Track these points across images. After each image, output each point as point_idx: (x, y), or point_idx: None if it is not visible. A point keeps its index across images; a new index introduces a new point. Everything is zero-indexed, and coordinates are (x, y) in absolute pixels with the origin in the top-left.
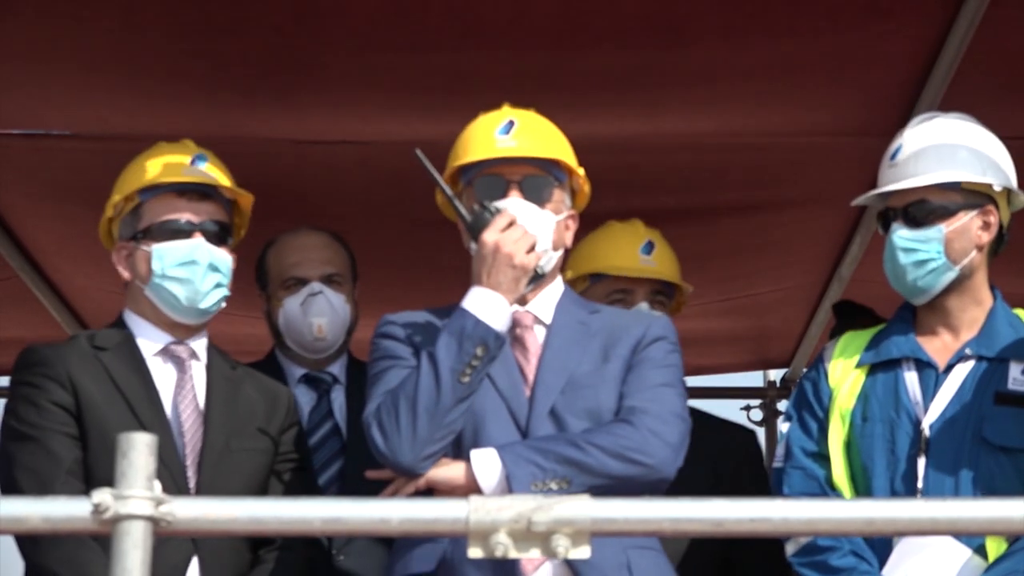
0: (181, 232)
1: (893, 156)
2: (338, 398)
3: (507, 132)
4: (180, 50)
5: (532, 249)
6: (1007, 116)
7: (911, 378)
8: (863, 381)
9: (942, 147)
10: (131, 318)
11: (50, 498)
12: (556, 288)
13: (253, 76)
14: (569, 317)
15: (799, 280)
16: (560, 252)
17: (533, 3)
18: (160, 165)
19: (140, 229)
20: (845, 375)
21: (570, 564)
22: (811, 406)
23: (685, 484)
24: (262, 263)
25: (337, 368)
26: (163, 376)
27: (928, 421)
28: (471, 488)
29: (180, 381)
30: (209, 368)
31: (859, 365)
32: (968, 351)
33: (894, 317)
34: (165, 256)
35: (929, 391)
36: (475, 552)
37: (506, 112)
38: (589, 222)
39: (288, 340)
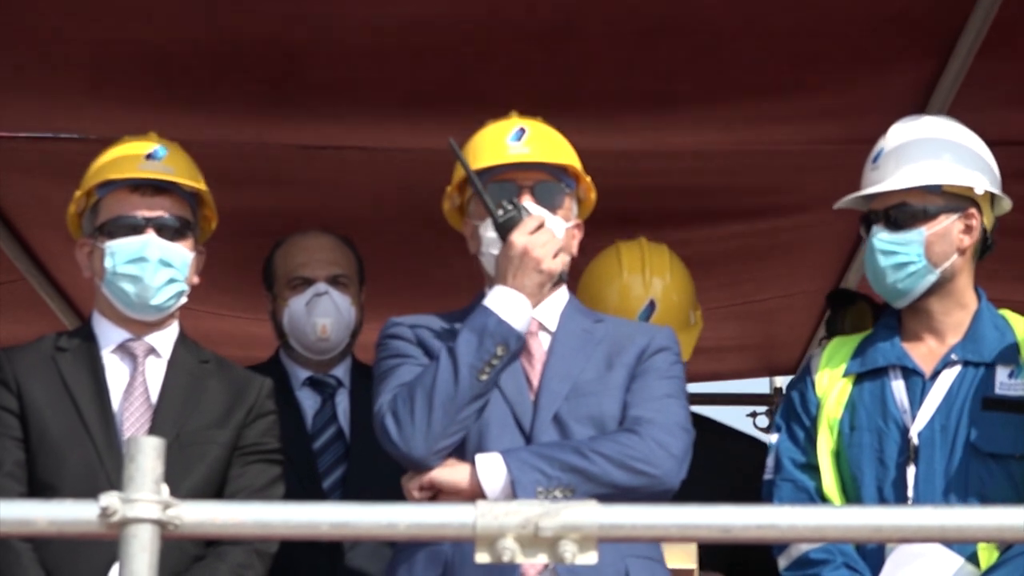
0: (133, 228)
1: (875, 159)
2: (342, 402)
3: (519, 139)
4: (188, 54)
5: (558, 254)
6: (1016, 122)
7: (898, 386)
8: (850, 390)
9: (924, 149)
10: (95, 316)
11: (57, 501)
12: (561, 295)
13: (260, 81)
14: (573, 325)
15: (806, 286)
16: (567, 259)
17: (538, 10)
18: (117, 160)
19: (97, 226)
20: (832, 384)
21: (569, 571)
22: (799, 417)
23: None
24: (269, 263)
25: (341, 371)
26: (117, 373)
27: (916, 429)
28: (475, 492)
29: (132, 377)
30: (171, 363)
31: (846, 374)
32: (954, 356)
33: (879, 324)
34: (116, 253)
35: (916, 399)
36: (482, 557)
37: (515, 120)
38: (596, 228)
39: (292, 340)
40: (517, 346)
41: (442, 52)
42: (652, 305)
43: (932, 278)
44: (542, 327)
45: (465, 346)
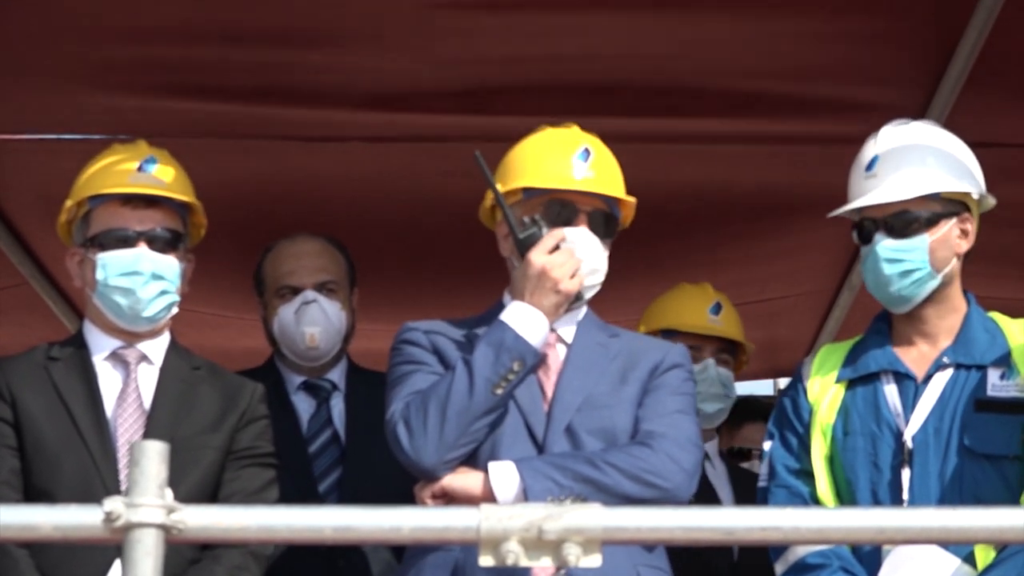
0: (125, 241)
1: (869, 167)
2: (337, 405)
3: (584, 160)
4: (189, 50)
5: (576, 274)
6: (1018, 123)
7: (891, 390)
8: (843, 395)
9: (918, 155)
10: (86, 324)
11: (61, 506)
12: (579, 310)
13: (263, 74)
14: (589, 339)
15: (809, 287)
16: (600, 279)
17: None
18: (108, 172)
19: (88, 236)
20: (824, 390)
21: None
22: (792, 423)
23: None
24: (259, 270)
25: (336, 375)
26: (109, 381)
27: (910, 432)
28: (487, 499)
29: (125, 384)
30: (163, 369)
31: (838, 380)
32: (946, 360)
33: (870, 329)
34: (108, 265)
35: (909, 402)
36: (486, 560)
37: (579, 136)
38: None
39: (283, 348)
40: (533, 362)
41: (447, 42)
42: (719, 306)
43: (935, 283)
44: (559, 339)
45: (482, 359)
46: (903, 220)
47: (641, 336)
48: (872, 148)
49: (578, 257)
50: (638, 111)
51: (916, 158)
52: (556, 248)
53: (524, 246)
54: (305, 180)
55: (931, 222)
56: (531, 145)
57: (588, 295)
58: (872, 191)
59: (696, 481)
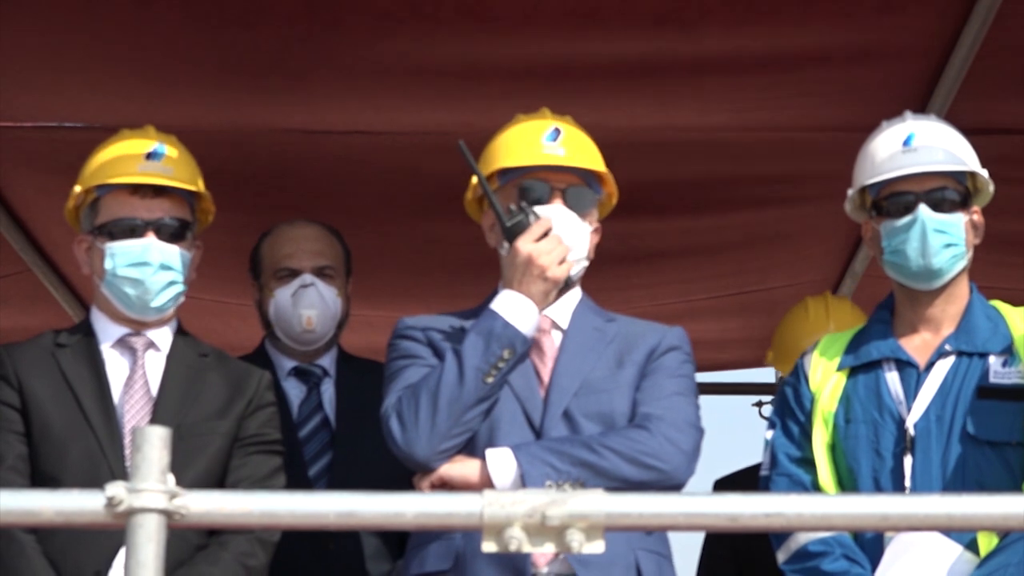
0: (133, 231)
1: (907, 141)
2: (328, 391)
3: (554, 139)
4: (192, 41)
5: (564, 260)
6: (1021, 111)
7: (892, 378)
8: (844, 384)
9: (950, 141)
10: (94, 312)
11: (63, 491)
12: (574, 295)
13: (265, 66)
14: (585, 323)
15: (812, 275)
16: (584, 264)
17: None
18: (116, 160)
19: (97, 225)
20: (826, 378)
21: (579, 561)
22: (793, 411)
23: None
24: (256, 252)
25: (327, 361)
26: (117, 368)
27: (912, 420)
28: (485, 486)
29: (132, 371)
30: (170, 356)
31: (839, 368)
32: (948, 347)
33: (872, 318)
34: (117, 255)
35: (911, 390)
36: (489, 546)
37: (549, 119)
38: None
39: (278, 331)
40: (523, 349)
41: (445, 31)
42: None
43: (964, 264)
44: (555, 325)
45: (471, 348)
46: (941, 196)
47: (637, 320)
48: (904, 128)
49: (566, 245)
50: (640, 99)
51: (948, 142)
52: (544, 236)
53: (512, 234)
54: (306, 172)
55: (963, 204)
56: (504, 132)
57: (574, 272)
58: (915, 164)
59: (696, 463)
